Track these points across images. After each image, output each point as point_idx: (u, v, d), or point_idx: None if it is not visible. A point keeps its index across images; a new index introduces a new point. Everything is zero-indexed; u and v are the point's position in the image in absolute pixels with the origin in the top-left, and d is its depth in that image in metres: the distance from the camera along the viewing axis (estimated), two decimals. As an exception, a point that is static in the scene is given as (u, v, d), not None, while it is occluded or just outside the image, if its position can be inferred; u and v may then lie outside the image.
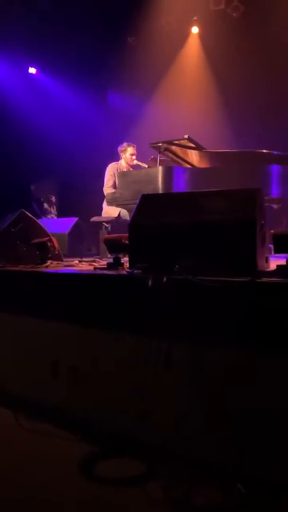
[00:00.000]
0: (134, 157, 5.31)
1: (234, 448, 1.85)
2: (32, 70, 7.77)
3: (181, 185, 4.25)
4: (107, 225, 5.20)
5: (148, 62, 7.20)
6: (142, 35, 7.25)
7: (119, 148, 5.43)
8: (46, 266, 2.99)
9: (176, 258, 2.15)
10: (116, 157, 5.52)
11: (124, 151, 5.37)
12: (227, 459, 1.86)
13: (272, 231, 2.17)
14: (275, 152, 4.53)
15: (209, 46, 7.19)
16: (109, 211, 5.20)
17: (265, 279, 1.88)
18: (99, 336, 2.31)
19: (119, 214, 5.07)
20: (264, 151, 4.51)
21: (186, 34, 7.40)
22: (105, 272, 2.52)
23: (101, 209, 5.40)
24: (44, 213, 7.33)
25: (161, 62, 7.33)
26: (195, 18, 7.20)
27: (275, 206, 4.50)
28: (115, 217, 5.11)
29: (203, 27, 7.25)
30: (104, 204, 5.30)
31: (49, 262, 3.10)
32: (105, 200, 5.28)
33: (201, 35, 7.34)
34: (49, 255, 3.16)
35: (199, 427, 1.94)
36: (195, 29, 7.35)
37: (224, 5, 6.80)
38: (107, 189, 5.27)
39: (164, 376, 2.03)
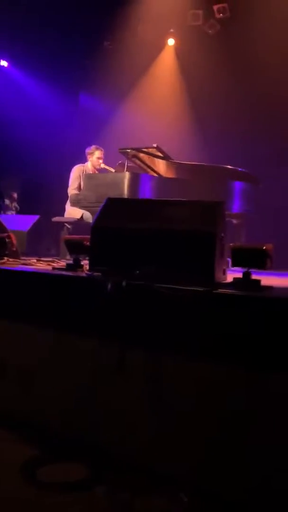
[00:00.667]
0: (101, 161, 5.31)
1: (183, 457, 1.87)
2: (3, 63, 7.63)
3: (147, 193, 4.30)
4: (69, 226, 5.16)
5: (122, 68, 7.23)
6: (118, 40, 7.29)
7: (87, 151, 5.41)
8: (2, 263, 2.93)
9: (137, 263, 2.17)
10: (82, 159, 5.51)
11: (92, 154, 5.36)
12: (175, 468, 1.88)
13: (231, 244, 2.24)
14: (240, 169, 4.67)
15: (184, 59, 7.33)
16: (72, 212, 5.17)
17: (221, 290, 1.94)
18: (52, 338, 2.29)
19: (82, 216, 5.04)
20: (229, 167, 4.64)
21: (162, 44, 7.51)
22: (64, 273, 2.49)
23: (64, 209, 5.36)
24: (4, 208, 7.18)
25: (135, 69, 7.38)
26: (171, 30, 7.33)
27: (235, 221, 4.64)
28: (78, 219, 5.08)
29: (179, 40, 7.38)
30: (67, 205, 5.27)
31: (5, 259, 3.04)
32: (68, 201, 5.24)
33: (177, 47, 7.47)
34: (6, 252, 3.10)
35: (149, 434, 1.96)
36: (171, 41, 7.47)
37: (201, 21, 6.96)
38: (72, 191, 5.24)
39: (117, 381, 2.04)
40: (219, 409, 1.81)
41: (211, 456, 1.82)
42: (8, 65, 7.65)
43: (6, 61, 7.60)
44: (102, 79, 7.37)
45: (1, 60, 7.57)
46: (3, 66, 7.63)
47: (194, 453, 1.85)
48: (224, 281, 2.22)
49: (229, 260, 2.33)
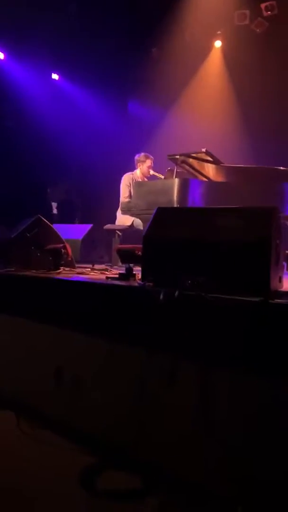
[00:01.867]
0: (151, 170, 5.35)
1: (235, 474, 1.82)
2: (55, 76, 7.87)
3: (196, 198, 4.25)
4: (119, 233, 5.24)
5: (169, 74, 7.23)
6: (165, 46, 7.30)
7: (137, 157, 5.47)
8: (58, 273, 3.00)
9: (188, 273, 2.14)
10: (131, 167, 5.56)
11: (142, 162, 5.41)
12: (228, 484, 1.83)
13: (287, 251, 2.15)
14: (293, 170, 4.51)
15: (232, 61, 7.21)
16: (123, 220, 5.24)
17: (278, 301, 1.86)
18: (106, 347, 2.30)
19: (132, 223, 5.11)
20: (282, 168, 4.50)
21: (209, 47, 7.44)
22: (117, 282, 2.52)
23: (115, 217, 5.43)
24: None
25: (183, 74, 7.36)
26: (219, 32, 7.24)
27: (289, 223, 4.48)
28: (128, 226, 5.14)
29: (226, 42, 7.27)
30: (118, 213, 5.34)
31: (61, 268, 3.11)
32: (119, 208, 5.30)
33: (224, 49, 7.37)
34: (62, 262, 3.17)
35: (200, 448, 1.91)
36: (218, 43, 7.38)
37: (248, 21, 6.83)
38: (123, 199, 5.31)
39: (168, 394, 2.01)
40: (270, 428, 1.73)
41: (264, 476, 1.75)
42: (59, 78, 7.87)
43: (57, 73, 7.83)
44: (150, 86, 7.40)
45: (53, 74, 7.81)
46: (54, 79, 7.86)
47: (248, 472, 1.79)
48: (280, 289, 2.14)
49: (285, 264, 2.24)
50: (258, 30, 6.83)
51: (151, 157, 5.43)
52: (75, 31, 6.95)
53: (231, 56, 7.21)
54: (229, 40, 7.19)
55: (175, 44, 7.18)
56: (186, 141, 6.22)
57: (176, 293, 2.00)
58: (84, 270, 3.27)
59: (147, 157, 5.42)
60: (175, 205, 4.07)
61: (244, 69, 6.88)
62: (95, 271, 3.24)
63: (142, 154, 5.45)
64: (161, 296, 2.03)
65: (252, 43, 6.79)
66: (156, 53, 7.55)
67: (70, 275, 2.96)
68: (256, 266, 2.03)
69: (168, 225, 2.38)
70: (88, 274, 3.09)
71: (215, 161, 4.51)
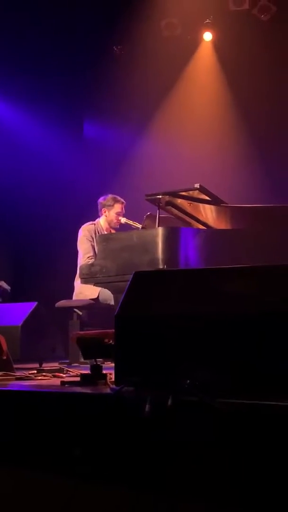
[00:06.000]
0: (121, 218, 5.45)
1: None
2: None
3: (192, 255, 4.33)
4: (80, 313, 5.23)
5: (141, 81, 7.51)
6: (133, 43, 7.60)
7: (102, 201, 5.60)
8: (-13, 380, 2.99)
9: (186, 368, 2.15)
10: (92, 215, 5.67)
11: (110, 207, 5.53)
12: None
13: None
14: None
15: (229, 59, 7.55)
16: (84, 292, 5.27)
17: None
18: (69, 490, 2.25)
19: (98, 297, 5.13)
20: None
21: (195, 42, 7.79)
22: (78, 389, 2.52)
23: (72, 288, 5.45)
24: None
25: (160, 80, 7.64)
26: (208, 20, 7.61)
27: None
28: (93, 301, 5.15)
29: (219, 33, 7.64)
30: (77, 282, 5.37)
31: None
32: (77, 275, 5.33)
33: (217, 43, 7.73)
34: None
35: None
36: (208, 36, 7.75)
37: (248, 4, 7.20)
38: (84, 260, 5.35)
39: None
40: None
41: None
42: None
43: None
44: (113, 100, 7.63)
45: None
46: None
47: None
48: None
49: None
50: (263, 16, 7.22)
51: (122, 200, 5.57)
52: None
53: (227, 53, 7.55)
54: (222, 31, 7.56)
55: (147, 39, 7.49)
56: (170, 174, 6.39)
57: (170, 400, 2.01)
58: (27, 373, 3.26)
59: (115, 201, 5.55)
60: (161, 266, 4.13)
61: (246, 70, 7.20)
62: (44, 373, 3.24)
63: (109, 196, 5.58)
64: (147, 407, 2.03)
65: (254, 35, 7.16)
66: (120, 52, 7.86)
67: (5, 382, 2.95)
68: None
69: (152, 297, 2.42)
70: (33, 379, 3.09)
71: (215, 200, 4.64)
